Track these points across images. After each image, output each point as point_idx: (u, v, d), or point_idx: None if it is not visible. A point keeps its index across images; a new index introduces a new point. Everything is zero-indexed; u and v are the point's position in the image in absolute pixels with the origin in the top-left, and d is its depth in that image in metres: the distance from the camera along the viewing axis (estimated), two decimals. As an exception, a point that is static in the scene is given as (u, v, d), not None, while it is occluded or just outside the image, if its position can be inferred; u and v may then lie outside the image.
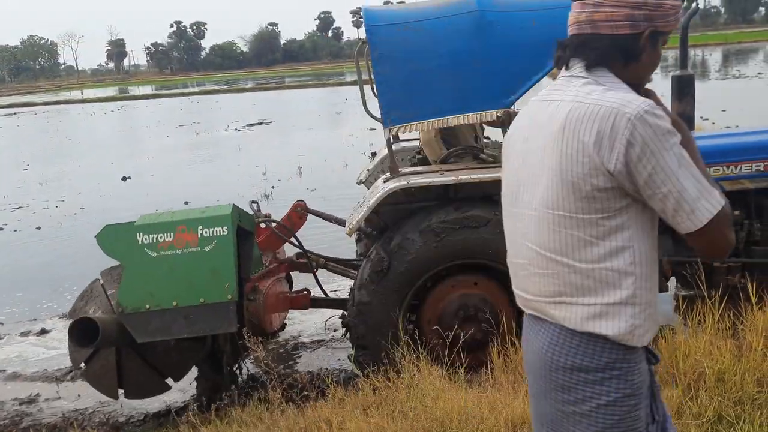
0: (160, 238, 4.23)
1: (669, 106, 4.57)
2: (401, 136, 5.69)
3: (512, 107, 4.39)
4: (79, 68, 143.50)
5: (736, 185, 4.41)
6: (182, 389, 5.15)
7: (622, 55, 1.80)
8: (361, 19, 4.46)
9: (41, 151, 22.93)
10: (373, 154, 6.32)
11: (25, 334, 6.80)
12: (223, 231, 4.24)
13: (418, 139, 5.51)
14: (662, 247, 4.92)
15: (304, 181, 13.39)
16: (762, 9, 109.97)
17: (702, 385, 3.46)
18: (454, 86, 4.33)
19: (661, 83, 26.06)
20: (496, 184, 4.27)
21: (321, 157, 15.89)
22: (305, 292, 5.15)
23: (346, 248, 6.01)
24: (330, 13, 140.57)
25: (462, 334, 4.27)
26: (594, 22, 1.80)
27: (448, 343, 4.17)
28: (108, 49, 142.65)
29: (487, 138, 5.92)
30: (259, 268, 4.77)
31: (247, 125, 25.87)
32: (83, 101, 52.79)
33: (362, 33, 4.71)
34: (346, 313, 4.71)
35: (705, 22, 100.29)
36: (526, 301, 1.95)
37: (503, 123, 4.38)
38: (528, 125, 1.90)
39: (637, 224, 1.75)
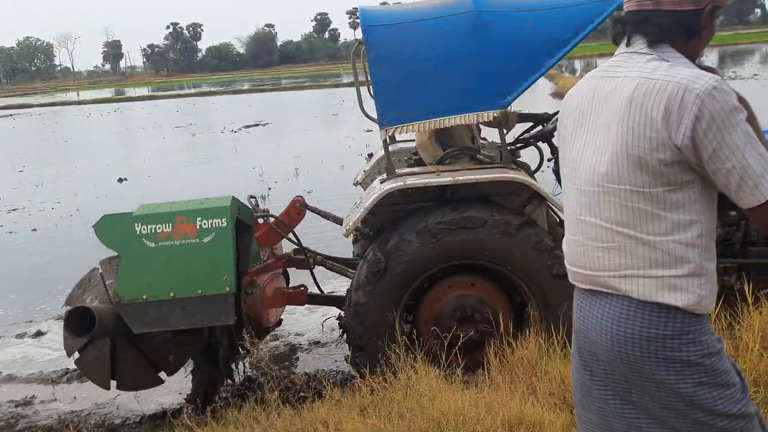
0: (159, 228, 4.21)
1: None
2: (398, 137, 5.68)
3: (509, 108, 4.40)
4: (75, 70, 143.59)
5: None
6: (178, 390, 5.14)
7: (684, 32, 1.84)
8: (358, 20, 4.46)
9: (37, 152, 22.86)
10: (370, 155, 6.31)
11: (20, 336, 6.79)
12: (222, 223, 4.22)
13: (414, 140, 5.51)
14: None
15: (300, 182, 13.37)
16: (758, 10, 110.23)
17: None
18: (451, 87, 4.33)
19: (657, 84, 26.17)
20: (493, 185, 4.34)
21: (318, 158, 15.88)
22: (302, 288, 5.14)
23: (344, 248, 5.99)
24: (327, 14, 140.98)
25: (459, 335, 4.26)
26: None
27: (445, 344, 4.17)
28: (104, 51, 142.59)
29: (484, 139, 5.92)
30: (257, 263, 4.75)
31: (244, 127, 25.83)
32: (79, 103, 52.71)
33: (359, 34, 4.71)
34: (342, 314, 4.71)
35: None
36: (584, 276, 1.96)
37: (500, 123, 4.38)
38: (587, 101, 1.93)
39: (702, 198, 1.80)
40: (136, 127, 31.05)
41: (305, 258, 5.12)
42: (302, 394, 4.13)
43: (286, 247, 5.45)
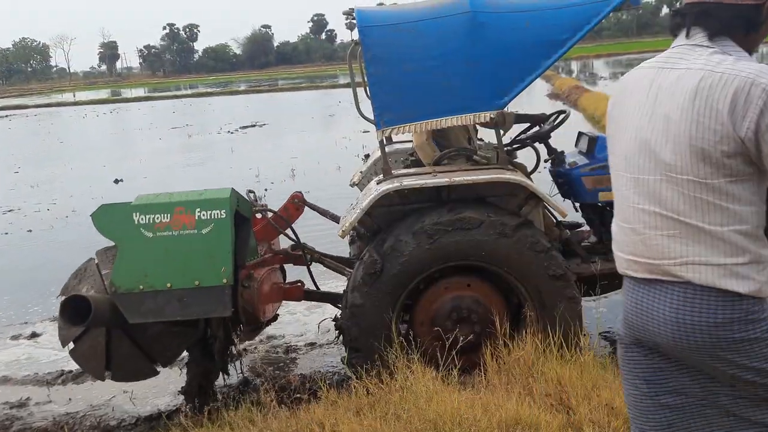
0: (157, 218, 4.18)
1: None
2: (394, 138, 5.68)
3: (506, 108, 4.40)
4: (71, 71, 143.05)
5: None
6: (173, 392, 5.12)
7: (744, 26, 1.86)
8: (354, 21, 4.46)
9: (33, 153, 22.82)
10: (366, 156, 6.31)
11: (15, 337, 6.76)
12: (221, 214, 4.19)
13: (411, 141, 5.51)
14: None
15: (297, 183, 13.34)
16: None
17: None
18: (448, 88, 4.33)
19: (653, 86, 26.19)
20: (490, 185, 4.34)
21: (314, 159, 15.87)
22: (299, 283, 5.13)
23: (342, 246, 5.98)
24: (323, 15, 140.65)
25: (456, 337, 4.25)
26: None
27: (443, 345, 4.16)
28: (100, 52, 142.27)
29: (480, 139, 5.92)
30: (255, 257, 4.74)
31: (240, 128, 25.80)
32: (75, 104, 52.60)
33: (355, 35, 4.70)
34: (338, 316, 4.70)
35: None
36: (641, 264, 1.97)
37: (497, 124, 4.38)
38: (644, 91, 1.95)
39: (759, 190, 1.84)
40: (132, 128, 31.00)
41: (302, 254, 5.11)
42: (298, 395, 4.13)
43: (284, 244, 5.44)
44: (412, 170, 4.79)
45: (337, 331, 4.78)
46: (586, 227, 5.42)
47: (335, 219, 5.29)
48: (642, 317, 1.98)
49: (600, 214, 5.13)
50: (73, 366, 5.72)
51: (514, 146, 5.39)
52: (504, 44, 4.29)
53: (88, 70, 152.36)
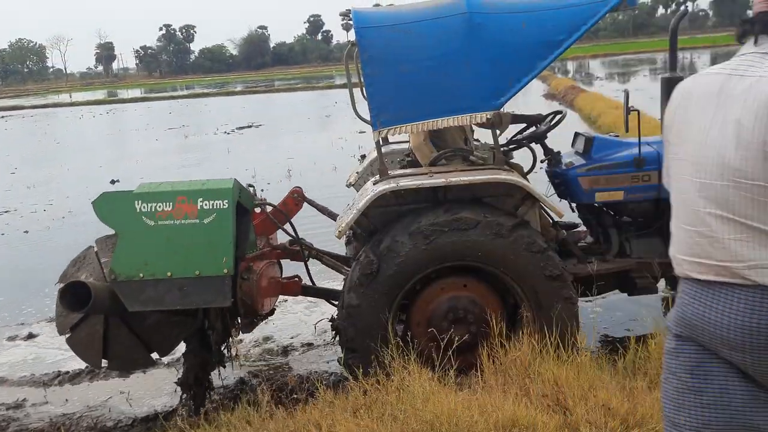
0: (159, 207, 4.16)
1: (659, 109, 4.60)
2: (391, 139, 5.68)
3: (502, 109, 4.40)
4: (68, 71, 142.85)
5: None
6: (170, 393, 5.12)
7: None
8: (351, 21, 4.46)
9: (29, 154, 22.79)
10: (363, 157, 6.31)
11: (12, 338, 6.75)
12: (223, 204, 4.18)
13: (408, 141, 5.51)
14: (652, 248, 4.95)
15: (293, 183, 13.15)
16: (750, 12, 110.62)
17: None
18: (444, 88, 4.33)
19: (650, 85, 26.19)
20: (486, 186, 4.34)
21: (310, 160, 15.86)
22: (296, 278, 5.13)
23: (340, 245, 5.97)
24: (320, 16, 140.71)
25: (452, 337, 4.25)
26: None
27: (440, 346, 4.16)
28: (97, 52, 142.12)
29: (477, 140, 5.92)
30: (254, 250, 4.74)
31: (237, 128, 25.79)
32: (72, 104, 52.52)
33: (352, 35, 4.70)
34: (335, 316, 4.70)
35: (693, 26, 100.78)
36: (706, 267, 1.99)
37: (493, 125, 4.38)
38: (711, 97, 1.97)
39: None
40: (129, 128, 30.97)
41: (300, 250, 5.11)
42: (295, 395, 4.13)
43: (281, 241, 5.43)
44: (408, 171, 4.79)
45: (333, 332, 4.78)
46: (582, 228, 5.43)
47: (333, 216, 5.30)
48: (706, 319, 1.99)
49: (596, 215, 5.14)
50: (70, 367, 5.73)
51: (511, 147, 5.39)
52: (500, 45, 4.30)
53: (84, 71, 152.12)
